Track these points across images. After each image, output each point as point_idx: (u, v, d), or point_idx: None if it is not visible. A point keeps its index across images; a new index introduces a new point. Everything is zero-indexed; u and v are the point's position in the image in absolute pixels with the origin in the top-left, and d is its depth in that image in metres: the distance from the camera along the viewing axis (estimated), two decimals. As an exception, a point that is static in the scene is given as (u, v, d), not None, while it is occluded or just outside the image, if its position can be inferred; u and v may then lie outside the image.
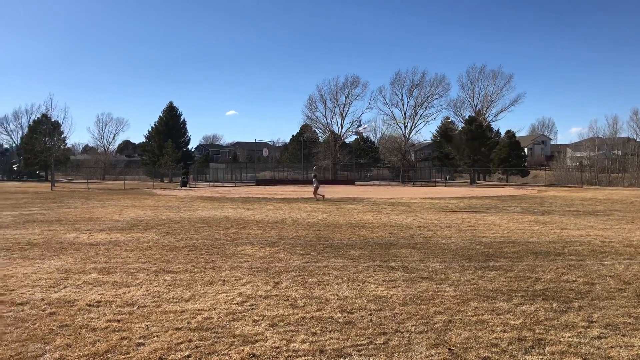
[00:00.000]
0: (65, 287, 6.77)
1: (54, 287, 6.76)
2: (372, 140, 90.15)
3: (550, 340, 4.73)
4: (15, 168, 67.85)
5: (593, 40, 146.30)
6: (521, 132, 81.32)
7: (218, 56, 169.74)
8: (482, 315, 5.50)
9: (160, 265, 8.37)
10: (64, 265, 8.34)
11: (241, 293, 6.49)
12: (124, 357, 4.32)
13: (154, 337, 4.80)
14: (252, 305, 5.92)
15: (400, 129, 71.12)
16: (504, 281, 7.19)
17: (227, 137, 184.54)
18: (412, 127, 70.36)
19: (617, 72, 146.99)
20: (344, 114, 71.29)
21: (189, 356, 4.33)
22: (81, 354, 4.36)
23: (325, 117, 71.98)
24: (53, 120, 60.62)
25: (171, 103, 75.85)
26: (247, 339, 4.74)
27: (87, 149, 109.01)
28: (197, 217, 16.84)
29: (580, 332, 4.97)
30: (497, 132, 72.99)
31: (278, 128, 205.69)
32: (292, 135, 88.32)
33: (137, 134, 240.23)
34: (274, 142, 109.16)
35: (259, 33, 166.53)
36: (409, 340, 4.73)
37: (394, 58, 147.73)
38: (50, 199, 26.49)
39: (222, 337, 4.79)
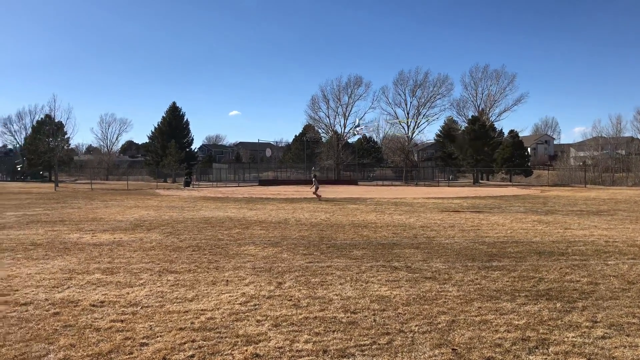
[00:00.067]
0: (69, 288, 6.78)
1: (57, 288, 6.78)
2: (375, 140, 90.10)
3: (554, 340, 4.72)
4: (19, 168, 68.04)
5: (597, 39, 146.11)
6: (524, 132, 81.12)
7: (221, 57, 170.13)
8: (485, 316, 5.49)
9: (164, 265, 8.39)
10: (67, 265, 8.36)
11: (244, 293, 6.49)
12: (127, 357, 4.33)
13: (157, 337, 4.81)
14: (255, 305, 5.93)
15: (403, 128, 71.13)
16: (507, 281, 7.17)
17: (230, 138, 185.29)
18: (415, 127, 70.38)
19: (621, 71, 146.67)
20: (346, 114, 71.32)
21: (192, 356, 4.34)
22: (85, 354, 4.37)
23: (328, 117, 72.01)
24: (57, 120, 60.88)
25: (174, 103, 75.93)
26: (251, 339, 4.74)
27: (90, 149, 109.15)
28: (200, 217, 16.86)
29: (584, 332, 4.96)
30: (500, 131, 72.80)
31: (281, 128, 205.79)
32: (295, 136, 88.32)
33: (141, 135, 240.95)
34: (277, 142, 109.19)
35: (262, 35, 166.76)
36: (412, 340, 4.72)
37: (397, 60, 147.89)
38: (53, 200, 26.56)
39: (226, 337, 4.79)
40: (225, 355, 4.37)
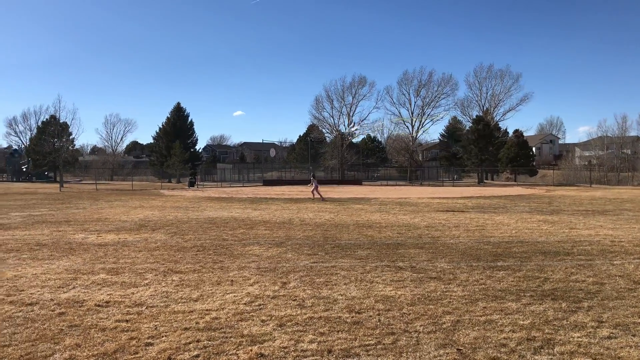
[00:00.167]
0: (74, 288, 6.81)
1: (63, 288, 6.80)
2: (380, 140, 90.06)
3: (560, 340, 4.70)
4: (24, 169, 68.33)
5: (602, 39, 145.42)
6: (529, 132, 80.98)
7: (225, 58, 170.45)
8: (490, 315, 5.47)
9: (169, 265, 8.40)
10: (72, 265, 8.39)
11: (249, 293, 6.50)
12: (132, 357, 4.34)
13: (162, 337, 4.82)
14: (260, 305, 5.93)
15: (408, 128, 71.06)
16: (512, 281, 7.15)
17: (235, 138, 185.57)
18: (420, 127, 70.31)
19: (627, 70, 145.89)
20: (351, 114, 71.36)
21: (197, 356, 4.35)
22: (90, 354, 4.39)
23: (332, 117, 72.10)
24: (61, 121, 61.14)
25: (179, 104, 76.18)
26: (255, 339, 4.74)
27: (95, 149, 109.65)
28: (204, 217, 16.89)
29: (590, 332, 4.94)
30: (505, 131, 72.72)
31: (285, 128, 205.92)
32: (299, 136, 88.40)
33: (145, 135, 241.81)
34: (281, 142, 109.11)
35: (266, 35, 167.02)
36: (417, 340, 4.72)
37: (401, 60, 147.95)
38: (59, 200, 26.66)
39: (231, 337, 4.80)
40: (230, 355, 4.37)
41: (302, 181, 57.83)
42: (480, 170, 66.72)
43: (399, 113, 71.08)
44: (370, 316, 5.47)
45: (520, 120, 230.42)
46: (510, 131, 73.34)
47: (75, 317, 5.43)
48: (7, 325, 5.15)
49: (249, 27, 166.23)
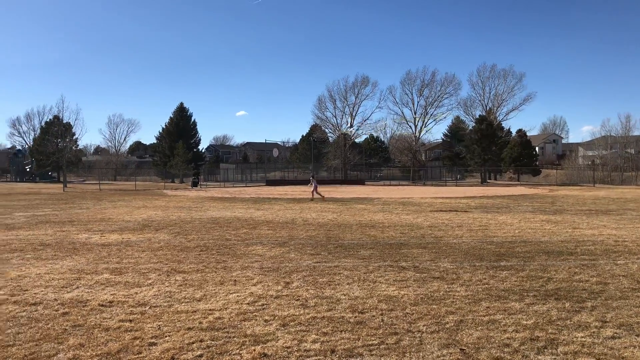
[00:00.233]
0: (77, 288, 6.82)
1: (66, 288, 6.82)
2: (382, 140, 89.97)
3: (563, 340, 4.69)
4: (28, 169, 68.52)
5: (602, 39, 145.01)
6: (532, 131, 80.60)
7: (228, 58, 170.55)
8: (493, 315, 5.47)
9: (172, 265, 8.42)
10: (76, 265, 8.41)
11: (252, 293, 6.50)
12: (136, 356, 4.35)
13: (165, 337, 4.83)
14: (263, 305, 5.94)
15: (410, 128, 70.98)
16: (515, 281, 7.14)
17: (238, 138, 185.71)
18: (423, 127, 70.21)
19: (630, 70, 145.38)
20: (353, 114, 71.32)
21: (200, 356, 4.35)
22: (94, 353, 4.40)
23: (335, 117, 72.09)
24: (65, 121, 61.34)
25: (182, 104, 76.22)
26: (259, 339, 4.75)
27: (98, 150, 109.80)
28: (208, 217, 16.91)
29: (594, 332, 4.93)
30: (508, 131, 72.46)
31: (288, 128, 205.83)
32: (302, 136, 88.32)
33: (148, 135, 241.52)
34: (284, 142, 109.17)
35: (267, 36, 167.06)
36: (420, 340, 4.71)
37: (404, 60, 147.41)
38: (62, 200, 26.73)
39: (234, 337, 4.80)
40: (233, 354, 4.38)
41: (305, 181, 57.84)
42: (483, 170, 66.56)
43: (402, 113, 71.10)
44: (374, 316, 5.46)
45: (524, 120, 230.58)
46: (514, 131, 73.15)
47: (79, 317, 5.44)
48: (11, 325, 5.17)
49: (249, 27, 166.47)
